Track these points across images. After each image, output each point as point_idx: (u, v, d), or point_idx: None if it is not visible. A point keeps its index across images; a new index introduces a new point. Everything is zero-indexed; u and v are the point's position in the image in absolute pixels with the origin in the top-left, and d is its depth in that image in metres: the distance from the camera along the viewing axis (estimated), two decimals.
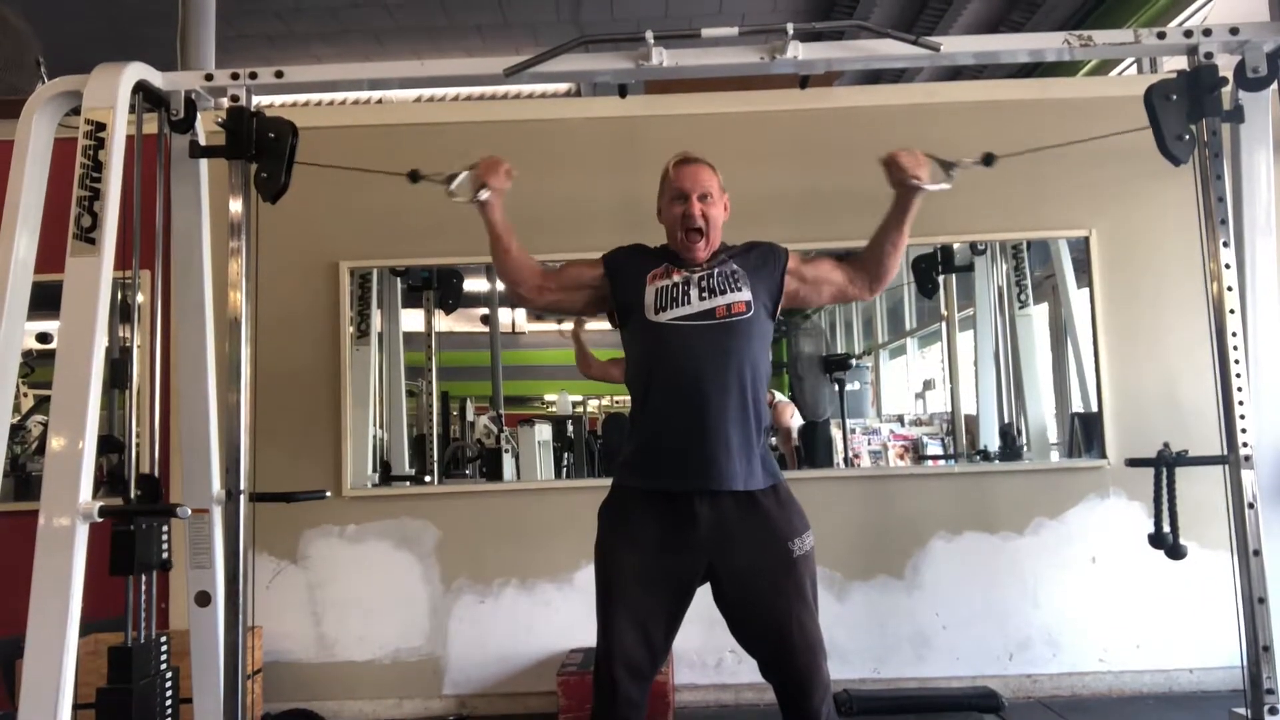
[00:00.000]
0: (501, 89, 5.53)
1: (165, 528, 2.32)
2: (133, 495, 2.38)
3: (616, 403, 6.75)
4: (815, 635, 2.21)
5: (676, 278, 2.32)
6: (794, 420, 4.94)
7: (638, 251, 2.43)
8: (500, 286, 5.68)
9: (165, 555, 2.33)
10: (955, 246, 4.62)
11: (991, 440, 4.65)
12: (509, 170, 2.41)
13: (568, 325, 4.54)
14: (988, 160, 2.46)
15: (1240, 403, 2.38)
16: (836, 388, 5.12)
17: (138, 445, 2.72)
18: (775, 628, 2.20)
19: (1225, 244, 2.41)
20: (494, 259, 2.42)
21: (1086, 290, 4.05)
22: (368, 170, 2.48)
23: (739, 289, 2.30)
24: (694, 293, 2.29)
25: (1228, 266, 2.41)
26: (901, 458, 5.03)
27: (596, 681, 2.22)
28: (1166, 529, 2.47)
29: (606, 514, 2.35)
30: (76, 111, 2.33)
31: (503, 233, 2.38)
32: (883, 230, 2.41)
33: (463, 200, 2.40)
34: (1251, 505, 2.35)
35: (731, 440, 2.21)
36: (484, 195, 2.35)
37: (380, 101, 5.63)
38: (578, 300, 2.46)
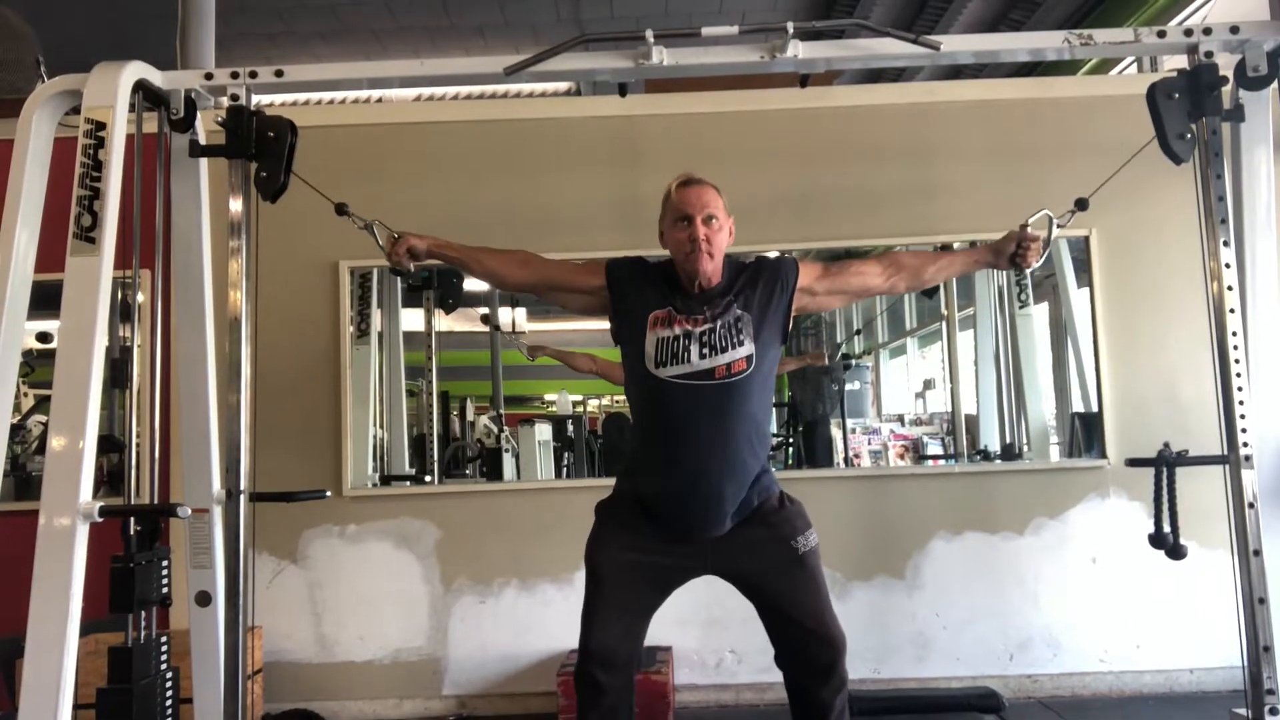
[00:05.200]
0: (501, 88, 5.54)
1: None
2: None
3: (616, 402, 6.75)
4: (837, 630, 2.24)
5: (678, 330, 2.24)
6: None
7: (640, 272, 2.36)
8: None
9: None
10: (955, 246, 4.61)
11: (992, 440, 4.65)
12: (407, 248, 2.47)
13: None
14: (1081, 205, 2.53)
15: (1240, 402, 2.37)
16: (836, 388, 5.12)
17: (138, 445, 2.71)
18: (795, 625, 2.23)
19: (1225, 243, 2.41)
20: (471, 276, 2.56)
21: (1086, 290, 4.05)
22: (305, 180, 2.51)
23: (741, 343, 2.23)
24: (694, 350, 2.22)
25: (1228, 266, 2.40)
26: (902, 457, 5.03)
27: (577, 674, 2.24)
28: (1167, 529, 2.47)
29: (605, 510, 2.37)
30: (76, 110, 2.33)
31: (457, 258, 2.47)
32: (950, 265, 2.58)
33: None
34: (1252, 505, 2.34)
35: (725, 496, 2.22)
36: (411, 269, 2.52)
37: (381, 101, 5.63)
38: (570, 302, 2.43)
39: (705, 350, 2.22)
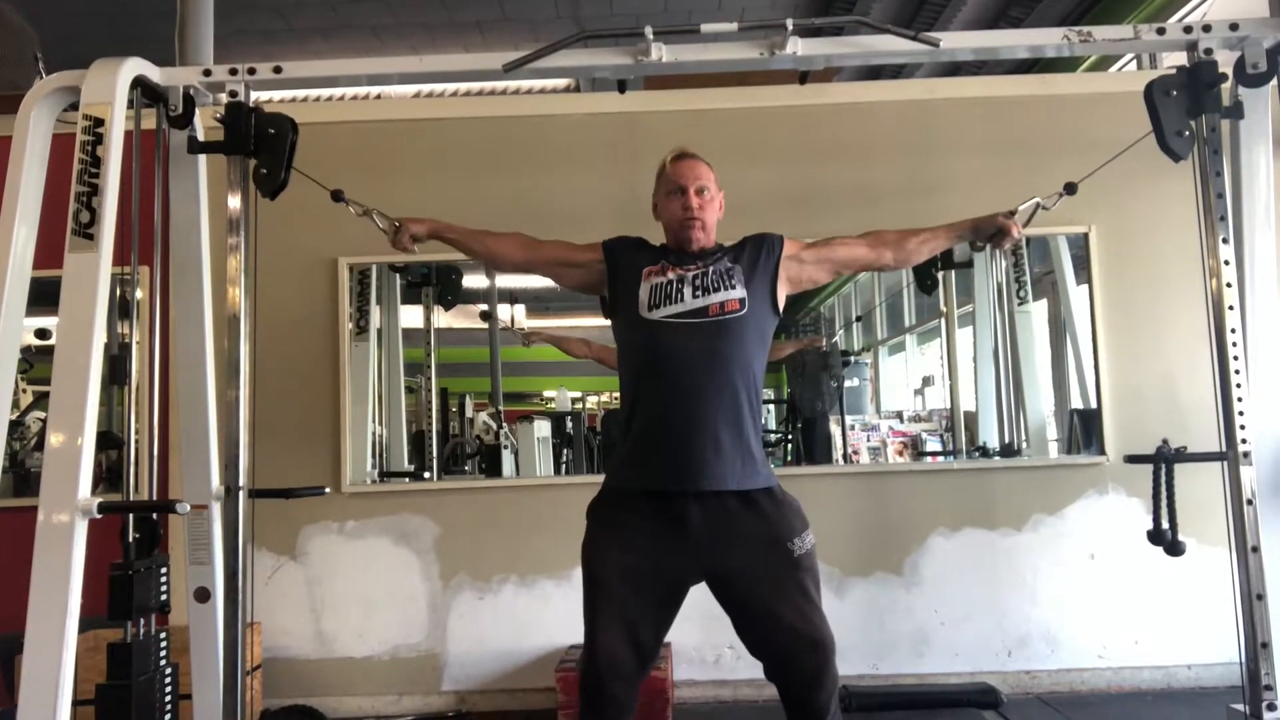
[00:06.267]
0: (501, 84, 5.54)
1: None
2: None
3: (615, 399, 6.75)
4: (825, 632, 2.19)
5: (671, 275, 2.30)
6: None
7: (638, 244, 2.43)
8: (500, 283, 5.73)
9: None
10: None
11: (991, 436, 4.65)
12: (410, 234, 2.50)
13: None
14: (1070, 189, 2.54)
15: (1239, 399, 2.37)
16: (835, 384, 5.12)
17: (137, 441, 2.72)
18: (784, 629, 2.17)
19: (1224, 240, 2.41)
20: (471, 259, 2.63)
21: (1086, 287, 4.05)
22: (303, 173, 2.51)
23: (733, 286, 2.28)
24: (687, 291, 2.27)
25: (1227, 263, 2.40)
26: (900, 454, 5.03)
27: (582, 684, 2.19)
28: (1165, 525, 2.47)
29: (596, 512, 2.33)
30: (75, 107, 2.32)
31: (458, 239, 2.51)
32: (934, 238, 2.52)
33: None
34: (1250, 501, 2.34)
35: (722, 440, 2.19)
36: (414, 248, 2.53)
37: (380, 97, 5.63)
38: (567, 278, 2.48)
39: (698, 291, 2.28)
